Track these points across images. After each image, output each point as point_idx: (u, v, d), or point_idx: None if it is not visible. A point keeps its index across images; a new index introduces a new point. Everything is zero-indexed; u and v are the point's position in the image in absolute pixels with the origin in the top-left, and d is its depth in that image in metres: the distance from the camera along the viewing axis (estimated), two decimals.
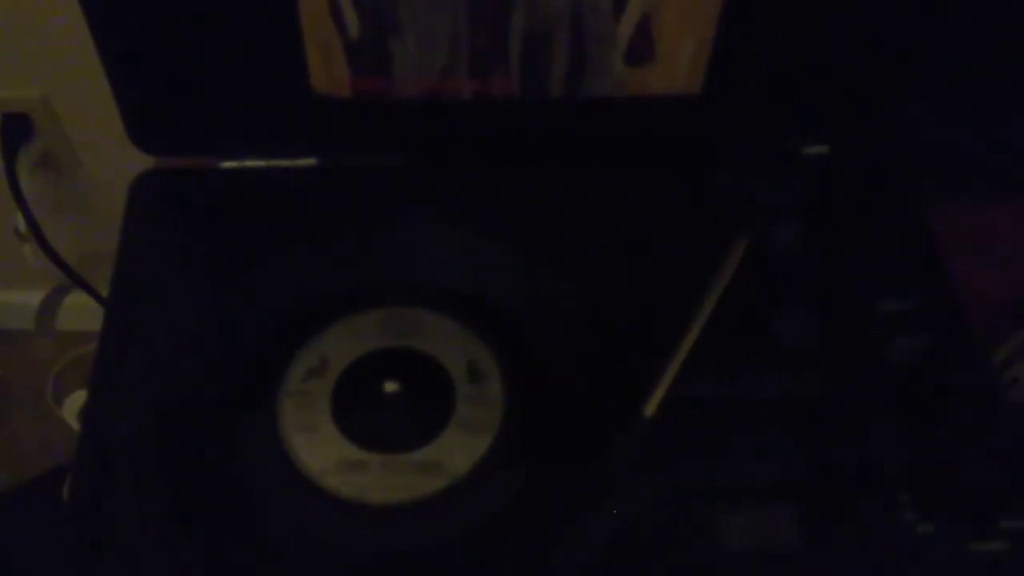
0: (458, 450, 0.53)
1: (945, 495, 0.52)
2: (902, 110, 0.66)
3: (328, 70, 0.60)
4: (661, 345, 0.55)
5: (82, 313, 1.09)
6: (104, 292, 0.96)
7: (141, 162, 0.66)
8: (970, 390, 0.56)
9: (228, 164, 0.65)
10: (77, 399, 1.17)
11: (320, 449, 0.53)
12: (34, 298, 1.12)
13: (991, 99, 0.71)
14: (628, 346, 0.56)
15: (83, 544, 0.50)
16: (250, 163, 0.65)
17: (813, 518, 0.51)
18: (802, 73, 0.63)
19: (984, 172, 0.73)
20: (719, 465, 0.52)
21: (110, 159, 0.96)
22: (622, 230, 0.62)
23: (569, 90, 0.62)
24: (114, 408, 0.54)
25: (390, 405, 0.55)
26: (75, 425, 1.14)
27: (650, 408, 0.53)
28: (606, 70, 0.61)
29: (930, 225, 0.64)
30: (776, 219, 0.62)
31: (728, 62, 0.61)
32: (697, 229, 0.62)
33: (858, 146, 0.67)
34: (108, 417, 0.54)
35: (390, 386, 0.55)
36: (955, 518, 0.51)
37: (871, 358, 0.57)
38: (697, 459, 0.52)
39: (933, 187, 0.67)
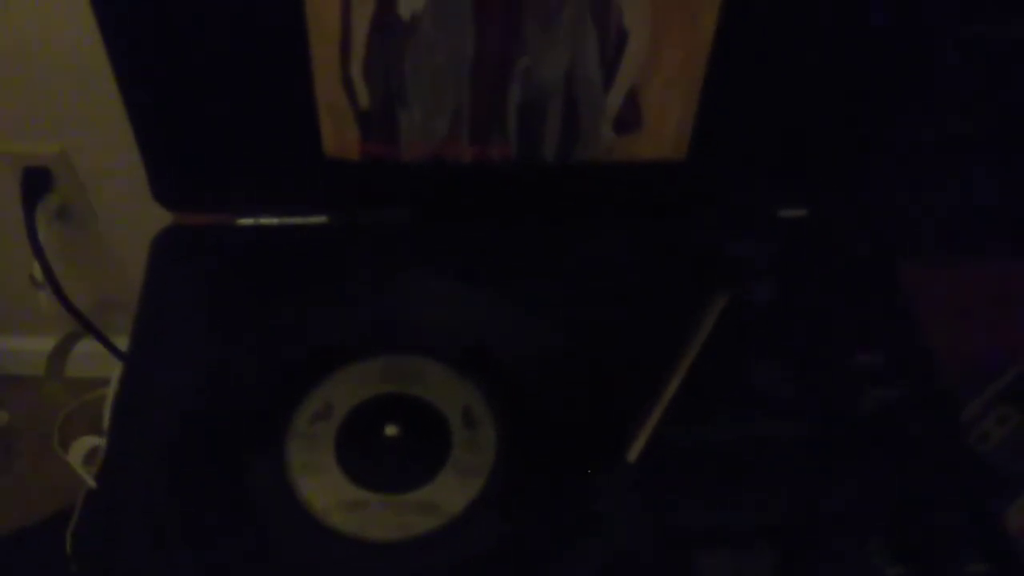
0: (453, 491, 0.56)
1: (914, 540, 0.54)
2: (878, 175, 0.69)
3: (340, 136, 0.63)
4: (645, 393, 0.58)
5: (91, 360, 1.10)
6: (114, 340, 0.98)
7: (153, 216, 0.68)
8: (938, 440, 0.58)
9: (244, 221, 0.68)
10: (83, 444, 1.17)
11: (324, 489, 0.56)
12: (45, 344, 1.13)
13: (965, 164, 0.75)
14: (614, 394, 0.58)
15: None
16: (265, 220, 0.68)
17: (788, 560, 0.53)
18: (781, 141, 0.66)
19: (957, 234, 0.76)
20: (698, 508, 0.55)
21: (124, 213, 0.99)
22: (610, 285, 0.65)
23: (562, 155, 0.65)
24: (132, 449, 0.56)
25: (390, 448, 0.57)
26: (80, 470, 1.15)
27: (632, 454, 0.56)
28: (597, 138, 0.64)
29: (905, 281, 0.66)
30: (755, 276, 0.65)
31: (711, 130, 0.64)
32: (680, 285, 0.65)
33: (835, 209, 0.70)
34: (126, 458, 0.56)
35: (390, 430, 0.57)
36: (923, 562, 0.53)
37: (844, 409, 0.59)
38: (677, 502, 0.55)
39: (908, 248, 0.69)
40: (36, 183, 0.97)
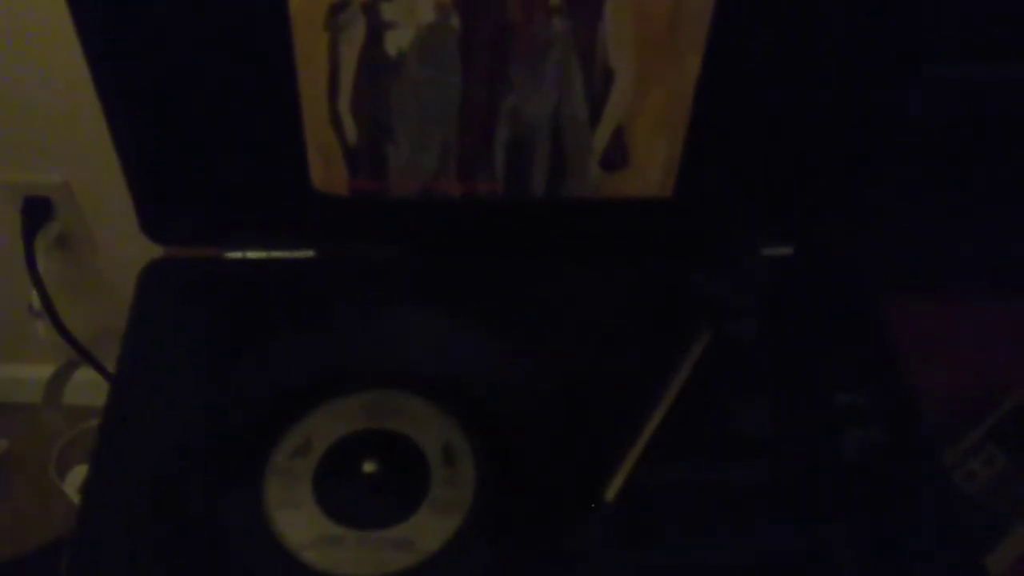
0: (430, 529, 0.55)
1: None
2: (863, 213, 0.69)
3: (328, 171, 0.64)
4: (626, 430, 0.58)
5: (89, 388, 1.11)
6: (112, 369, 0.99)
7: (152, 248, 0.69)
8: (920, 482, 0.58)
9: (232, 254, 0.68)
10: (79, 473, 1.18)
11: (301, 524, 0.56)
12: (43, 373, 1.14)
13: (950, 203, 0.75)
14: (595, 431, 0.58)
15: None
16: (252, 254, 0.68)
17: None
18: (766, 179, 0.67)
19: (942, 273, 0.76)
20: (676, 548, 0.54)
21: (123, 244, 1.00)
22: (593, 321, 0.65)
23: (549, 192, 0.66)
24: (113, 480, 0.57)
25: (368, 484, 0.57)
26: (76, 499, 1.15)
27: (611, 492, 0.56)
28: (583, 175, 0.65)
29: (887, 322, 0.66)
30: (738, 314, 0.65)
31: (697, 168, 0.64)
32: (662, 322, 0.65)
33: (819, 248, 0.70)
34: (107, 488, 0.56)
35: (369, 466, 0.57)
36: None
37: (825, 449, 0.59)
38: (655, 541, 0.54)
39: (892, 287, 0.69)
40: (36, 212, 0.98)
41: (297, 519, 0.56)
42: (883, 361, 0.64)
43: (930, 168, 0.71)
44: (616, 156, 0.64)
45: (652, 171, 0.65)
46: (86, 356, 1.03)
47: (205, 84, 0.60)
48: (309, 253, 0.69)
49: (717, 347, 0.63)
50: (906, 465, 0.59)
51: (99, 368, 1.05)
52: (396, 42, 0.58)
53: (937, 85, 0.65)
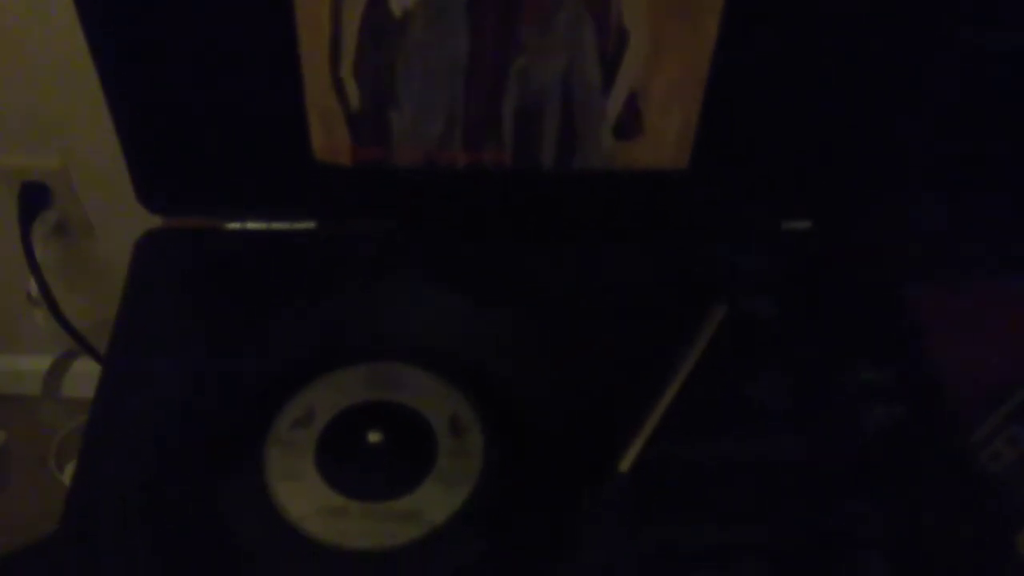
0: (437, 501, 0.54)
1: (915, 560, 0.52)
2: (886, 189, 0.68)
3: (330, 140, 0.63)
4: (639, 404, 0.56)
5: (88, 380, 1.09)
6: None
7: None
8: (942, 459, 0.57)
9: (231, 225, 0.67)
10: None
11: (303, 496, 0.54)
12: (42, 364, 1.13)
13: (976, 179, 0.73)
14: (607, 404, 0.57)
15: None
16: (252, 225, 0.67)
17: None
18: (786, 150, 0.65)
19: (966, 251, 0.75)
20: (690, 524, 0.53)
21: (122, 229, 0.98)
22: (606, 295, 0.63)
23: (559, 162, 0.64)
24: (110, 454, 0.55)
25: (373, 455, 0.56)
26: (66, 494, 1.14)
27: (625, 464, 0.54)
28: (596, 144, 0.63)
29: (910, 299, 0.65)
30: (756, 289, 0.63)
31: (714, 138, 0.63)
32: (679, 296, 0.63)
33: (840, 222, 0.69)
34: (103, 463, 0.55)
35: (373, 436, 0.56)
36: None
37: (845, 425, 0.57)
38: (670, 517, 0.53)
39: (916, 265, 0.68)
40: (34, 199, 0.97)
41: (299, 491, 0.54)
42: (906, 336, 0.63)
43: (954, 141, 0.70)
44: (630, 123, 0.63)
45: (667, 141, 0.64)
46: (84, 345, 1.02)
47: (203, 49, 0.59)
48: (310, 224, 0.67)
49: (734, 321, 0.61)
50: (929, 441, 0.57)
51: (98, 357, 1.04)
52: (401, 2, 0.56)
53: (964, 55, 0.63)
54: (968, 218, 0.75)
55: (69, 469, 1.18)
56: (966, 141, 0.71)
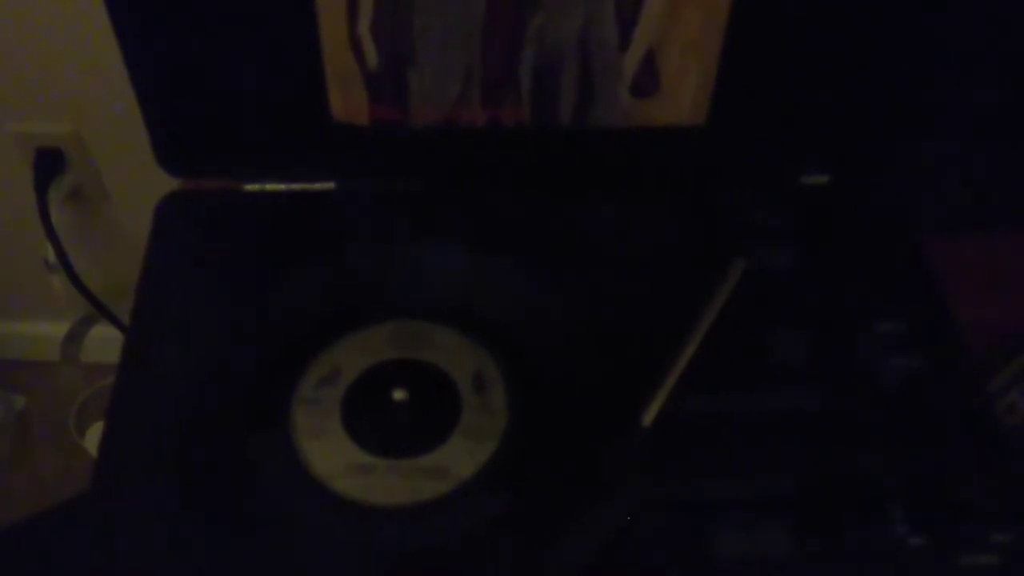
0: (463, 456, 0.54)
1: (936, 509, 0.52)
2: (903, 142, 0.68)
3: (347, 99, 0.62)
4: (660, 360, 0.57)
5: (107, 345, 1.10)
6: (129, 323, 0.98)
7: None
8: (961, 409, 0.57)
9: (250, 187, 0.67)
10: (99, 430, 1.18)
11: (330, 454, 0.54)
12: (60, 330, 1.14)
13: (994, 131, 0.73)
14: (628, 360, 0.57)
15: (102, 541, 0.51)
16: (271, 186, 0.67)
17: (805, 530, 0.51)
18: (803, 105, 0.65)
19: (985, 202, 0.75)
20: (713, 477, 0.53)
21: (138, 193, 0.98)
22: (625, 250, 0.63)
23: (577, 120, 0.64)
24: (137, 415, 0.56)
25: (398, 412, 0.56)
26: (96, 455, 1.15)
27: (648, 418, 0.54)
28: (613, 101, 0.63)
29: (926, 251, 0.65)
30: (774, 243, 0.63)
31: (731, 95, 0.63)
32: (697, 251, 0.63)
33: (858, 177, 0.69)
34: (131, 424, 0.55)
35: (398, 394, 0.56)
36: (946, 532, 0.51)
37: (865, 378, 0.58)
38: (692, 470, 0.53)
39: (932, 217, 0.68)
40: (49, 164, 0.97)
41: (326, 448, 0.55)
42: (923, 289, 0.63)
43: (973, 95, 0.69)
44: (647, 81, 0.62)
45: (684, 98, 0.63)
46: (102, 310, 1.03)
47: (221, 10, 0.58)
48: (329, 185, 0.67)
49: (754, 276, 0.61)
50: (947, 392, 0.57)
51: (116, 322, 1.04)
52: None
53: (982, 5, 0.63)
54: (985, 170, 0.75)
55: (89, 433, 1.19)
56: (985, 91, 0.70)
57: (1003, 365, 0.70)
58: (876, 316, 0.61)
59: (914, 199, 0.69)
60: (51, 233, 0.97)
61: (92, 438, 1.18)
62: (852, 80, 0.64)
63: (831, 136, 0.67)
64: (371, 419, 0.56)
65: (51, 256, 0.98)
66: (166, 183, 0.67)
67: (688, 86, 0.63)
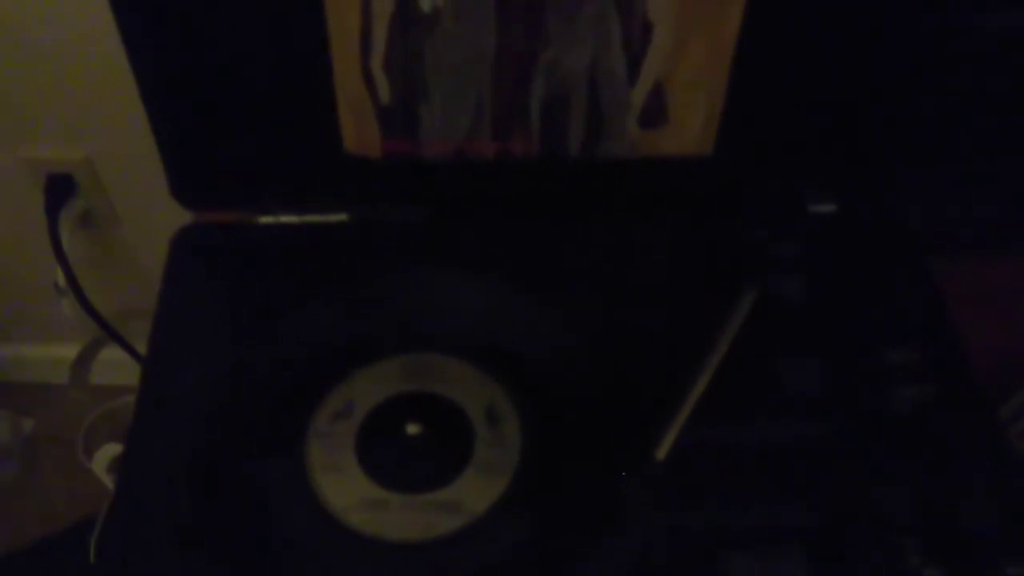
0: (476, 490, 0.55)
1: (951, 540, 0.53)
2: (910, 170, 0.68)
3: (360, 132, 0.63)
4: (672, 391, 0.57)
5: (115, 367, 1.11)
6: (138, 347, 0.98)
7: (176, 221, 0.68)
8: (973, 438, 0.57)
9: (264, 219, 0.67)
10: (107, 452, 1.18)
11: (344, 488, 0.55)
12: (69, 352, 1.14)
13: (999, 155, 0.73)
14: (640, 392, 0.57)
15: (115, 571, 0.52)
16: (285, 218, 0.67)
17: (818, 561, 0.52)
18: (811, 134, 0.65)
19: (993, 228, 0.75)
20: (726, 508, 0.53)
21: (147, 219, 0.99)
22: (636, 282, 0.64)
23: (586, 151, 0.64)
24: (152, 447, 0.56)
25: (412, 447, 0.57)
26: (104, 478, 1.15)
27: (661, 452, 0.54)
28: (621, 133, 0.64)
29: (936, 277, 0.65)
30: (784, 272, 0.64)
31: (739, 124, 0.63)
32: (707, 281, 0.64)
33: (865, 204, 0.69)
34: (146, 456, 0.56)
35: (412, 428, 0.57)
36: (960, 563, 0.52)
37: (876, 407, 0.58)
38: (706, 502, 0.53)
39: (941, 242, 0.68)
40: (60, 189, 0.98)
41: (341, 483, 0.55)
42: (934, 316, 0.63)
43: (979, 122, 0.69)
44: (655, 112, 0.63)
45: (692, 128, 0.64)
46: (112, 334, 1.03)
47: (235, 44, 0.59)
48: (342, 216, 0.68)
49: (764, 305, 0.61)
50: (959, 420, 0.58)
51: (125, 346, 1.05)
52: None
53: (984, 33, 0.63)
54: (991, 195, 0.75)
55: (97, 456, 1.19)
56: (989, 118, 0.70)
57: (1015, 390, 0.70)
58: (887, 344, 0.61)
59: (920, 223, 0.69)
60: (61, 258, 0.97)
61: (100, 461, 1.18)
62: (857, 108, 0.64)
63: (838, 164, 0.68)
64: (385, 453, 0.56)
65: (61, 280, 0.98)
66: (176, 208, 0.68)
67: (696, 117, 0.63)
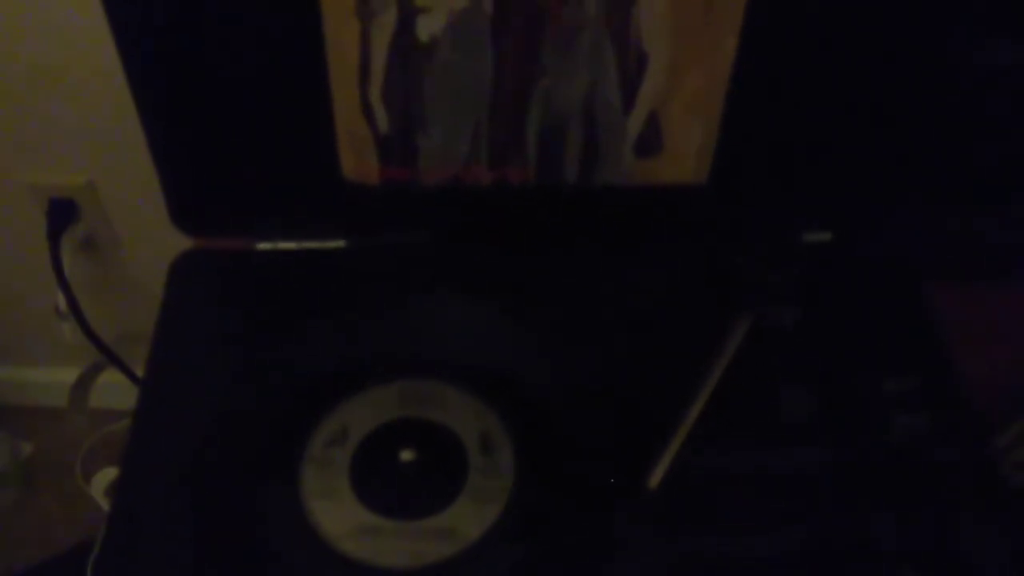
0: (469, 518, 0.55)
1: (945, 569, 0.53)
2: (904, 198, 0.69)
3: (359, 160, 0.63)
4: (666, 419, 0.57)
5: (114, 391, 1.11)
6: (138, 370, 0.99)
7: (177, 246, 0.69)
8: (968, 468, 0.57)
9: (263, 245, 0.68)
10: (105, 476, 1.18)
11: (338, 514, 0.55)
12: (68, 375, 1.14)
13: (994, 185, 0.73)
14: (634, 420, 0.57)
15: None
16: (283, 244, 0.68)
17: None
18: (805, 163, 0.66)
19: (989, 257, 0.75)
20: (720, 536, 0.53)
21: (148, 243, 1.00)
22: (630, 309, 0.64)
23: (582, 179, 0.65)
24: (147, 471, 0.56)
25: (406, 473, 0.57)
26: (102, 502, 1.15)
27: (654, 480, 0.55)
28: (617, 161, 0.64)
29: (932, 307, 0.65)
30: (779, 301, 0.64)
31: (733, 154, 0.63)
32: (703, 309, 0.64)
33: (860, 233, 0.69)
34: (141, 480, 0.56)
35: (406, 455, 0.57)
36: None
37: (872, 435, 0.58)
38: (698, 530, 0.53)
39: (937, 272, 0.68)
40: (61, 214, 0.98)
41: (334, 509, 0.55)
42: (928, 345, 0.63)
43: (973, 153, 0.70)
44: (650, 141, 0.63)
45: (687, 157, 0.64)
46: (112, 358, 1.03)
47: (236, 73, 0.60)
48: (340, 243, 0.68)
49: (759, 334, 0.62)
50: (955, 450, 0.58)
51: (125, 370, 1.05)
52: (428, 27, 0.57)
53: (978, 66, 0.64)
54: (987, 223, 0.75)
55: (95, 480, 1.19)
56: (983, 148, 0.71)
57: (1011, 419, 0.70)
58: (883, 372, 0.61)
59: (916, 251, 0.69)
60: (62, 282, 0.97)
61: (98, 485, 1.18)
62: (853, 138, 0.65)
63: (833, 193, 0.68)
64: (379, 480, 0.56)
65: (62, 304, 0.98)
66: (176, 234, 0.68)
67: (691, 146, 0.64)
